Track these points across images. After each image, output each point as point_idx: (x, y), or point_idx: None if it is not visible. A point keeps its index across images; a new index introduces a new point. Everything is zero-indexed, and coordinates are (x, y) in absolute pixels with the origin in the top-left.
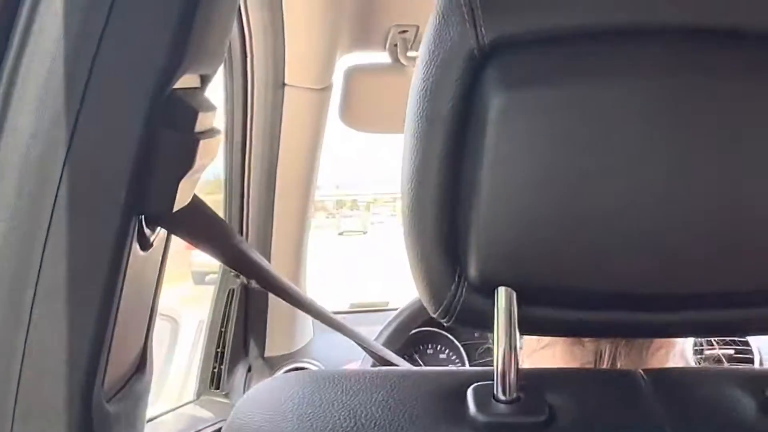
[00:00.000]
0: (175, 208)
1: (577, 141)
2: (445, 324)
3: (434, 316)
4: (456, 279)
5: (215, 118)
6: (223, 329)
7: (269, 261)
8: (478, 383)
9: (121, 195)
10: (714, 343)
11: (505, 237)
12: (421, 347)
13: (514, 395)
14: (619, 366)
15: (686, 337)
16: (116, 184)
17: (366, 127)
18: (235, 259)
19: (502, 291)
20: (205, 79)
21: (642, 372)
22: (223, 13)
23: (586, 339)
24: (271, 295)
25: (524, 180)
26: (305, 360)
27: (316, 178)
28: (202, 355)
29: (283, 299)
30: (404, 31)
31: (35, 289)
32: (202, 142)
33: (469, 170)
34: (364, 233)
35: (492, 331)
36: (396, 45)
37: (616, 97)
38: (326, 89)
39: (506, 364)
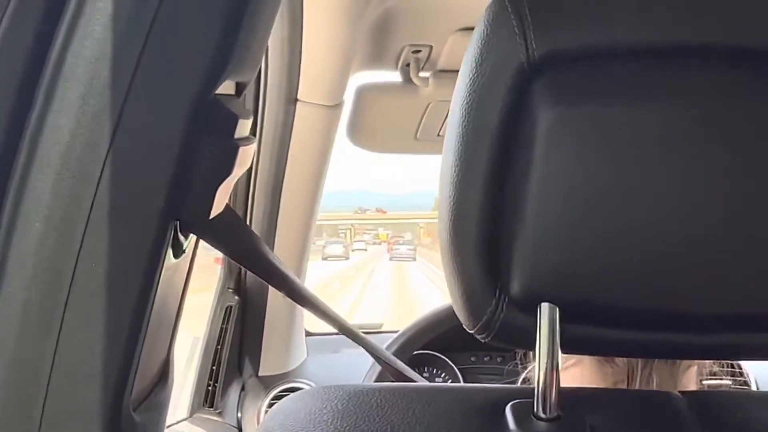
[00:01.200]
0: (211, 215)
1: (625, 159)
2: (482, 341)
3: (472, 332)
4: (496, 295)
5: (250, 125)
6: (218, 346)
7: None
8: (516, 401)
9: (160, 199)
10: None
11: (551, 253)
12: (418, 369)
13: (555, 414)
14: (655, 385)
15: (733, 359)
16: (155, 189)
17: (373, 146)
18: (262, 268)
19: (545, 307)
20: (240, 87)
21: (679, 393)
22: (265, 18)
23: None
24: (267, 315)
25: (572, 196)
26: (299, 380)
27: (321, 196)
28: (196, 372)
29: (311, 311)
30: (418, 51)
31: (68, 293)
32: (240, 149)
33: (514, 184)
34: (347, 259)
35: (531, 349)
36: (408, 65)
37: (666, 117)
38: (338, 106)
39: (548, 382)
